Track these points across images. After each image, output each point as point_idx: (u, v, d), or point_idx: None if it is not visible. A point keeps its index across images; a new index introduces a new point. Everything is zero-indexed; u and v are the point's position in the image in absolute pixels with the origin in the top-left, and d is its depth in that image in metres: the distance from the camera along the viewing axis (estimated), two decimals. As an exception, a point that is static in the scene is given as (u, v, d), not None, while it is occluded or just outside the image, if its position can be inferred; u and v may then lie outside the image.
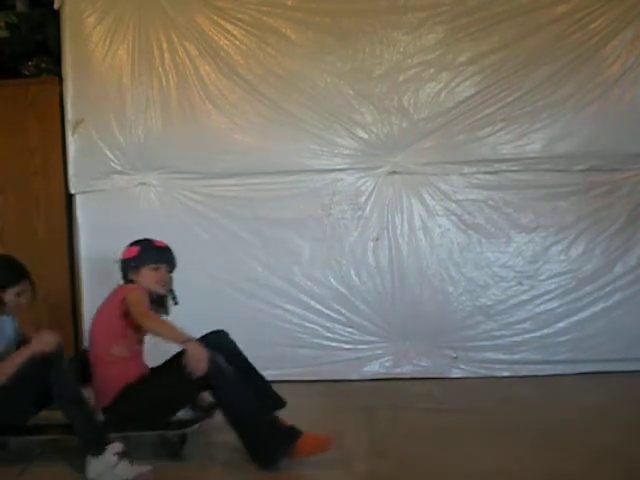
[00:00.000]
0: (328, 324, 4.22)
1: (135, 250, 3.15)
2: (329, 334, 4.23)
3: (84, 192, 4.21)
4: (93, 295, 4.23)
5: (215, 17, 4.15)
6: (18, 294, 3.05)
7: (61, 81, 4.21)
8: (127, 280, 3.17)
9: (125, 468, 2.74)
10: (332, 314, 4.22)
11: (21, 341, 3.16)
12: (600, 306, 4.19)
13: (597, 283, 4.19)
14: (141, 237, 3.21)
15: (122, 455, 2.76)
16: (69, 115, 4.18)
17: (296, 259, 4.21)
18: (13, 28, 4.40)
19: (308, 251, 4.21)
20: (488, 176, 4.19)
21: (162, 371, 3.11)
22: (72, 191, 4.22)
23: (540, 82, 4.12)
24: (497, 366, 4.19)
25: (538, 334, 4.20)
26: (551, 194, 4.19)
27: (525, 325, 4.21)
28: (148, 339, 3.14)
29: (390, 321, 4.20)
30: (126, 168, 4.19)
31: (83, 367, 3.12)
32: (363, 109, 4.17)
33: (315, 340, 4.22)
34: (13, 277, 3.05)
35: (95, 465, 2.74)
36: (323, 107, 4.16)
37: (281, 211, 4.19)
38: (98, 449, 2.74)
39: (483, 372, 4.16)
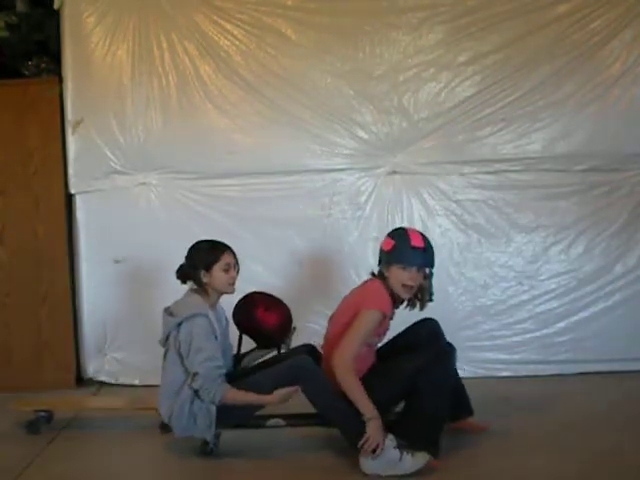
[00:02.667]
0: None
1: (390, 244, 3.07)
2: (329, 334, 4.22)
3: (84, 192, 4.21)
4: (93, 295, 4.25)
5: (215, 17, 4.15)
6: (225, 270, 3.03)
7: (61, 81, 4.21)
8: (380, 272, 3.09)
9: (410, 460, 2.74)
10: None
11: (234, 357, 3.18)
12: (600, 306, 4.19)
13: (597, 283, 4.19)
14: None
15: (400, 447, 2.77)
16: (69, 115, 4.18)
17: (296, 259, 4.21)
18: (13, 28, 4.39)
19: (308, 251, 4.21)
20: (488, 176, 4.19)
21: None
22: (72, 191, 4.21)
23: (540, 82, 4.12)
24: (497, 366, 4.19)
25: (538, 334, 4.20)
26: (551, 194, 4.19)
27: (525, 325, 4.21)
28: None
29: (390, 321, 4.19)
30: (126, 168, 4.19)
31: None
32: (363, 109, 4.17)
33: (314, 340, 4.20)
34: (213, 253, 3.02)
35: (377, 463, 2.75)
36: (323, 107, 4.16)
37: (281, 211, 4.19)
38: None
39: (483, 372, 4.16)
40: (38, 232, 4.22)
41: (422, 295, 3.12)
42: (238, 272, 3.15)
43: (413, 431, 2.87)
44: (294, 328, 3.35)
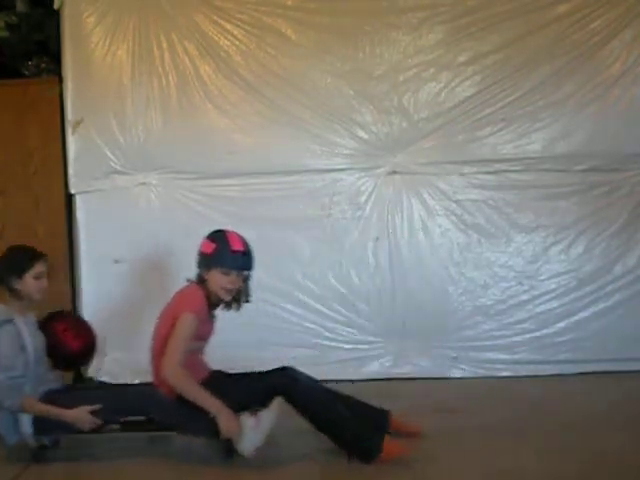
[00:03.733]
0: (328, 324, 4.22)
1: (211, 247, 3.04)
2: (329, 334, 4.23)
3: (84, 192, 4.21)
4: (93, 295, 4.25)
5: (215, 17, 4.15)
6: (36, 277, 2.98)
7: (61, 81, 4.21)
8: (198, 275, 3.08)
9: (265, 413, 2.78)
10: (332, 314, 4.21)
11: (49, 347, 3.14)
12: (600, 306, 4.19)
13: (597, 283, 4.19)
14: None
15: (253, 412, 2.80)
16: (69, 115, 4.18)
17: (296, 259, 4.21)
18: (13, 28, 4.41)
19: (308, 251, 4.21)
20: (488, 176, 4.19)
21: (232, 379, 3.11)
22: (72, 191, 4.22)
23: (540, 82, 4.12)
24: (497, 366, 4.19)
25: (538, 334, 4.20)
26: (551, 194, 4.19)
27: (525, 325, 4.21)
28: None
29: (390, 321, 4.20)
30: (126, 168, 4.19)
31: None
32: (363, 109, 4.17)
33: (315, 340, 4.22)
34: (26, 260, 2.98)
35: (246, 440, 2.77)
36: (323, 107, 4.16)
37: (281, 211, 4.19)
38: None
39: (483, 372, 4.16)
40: (38, 232, 4.22)
41: (239, 297, 3.12)
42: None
43: (342, 443, 2.89)
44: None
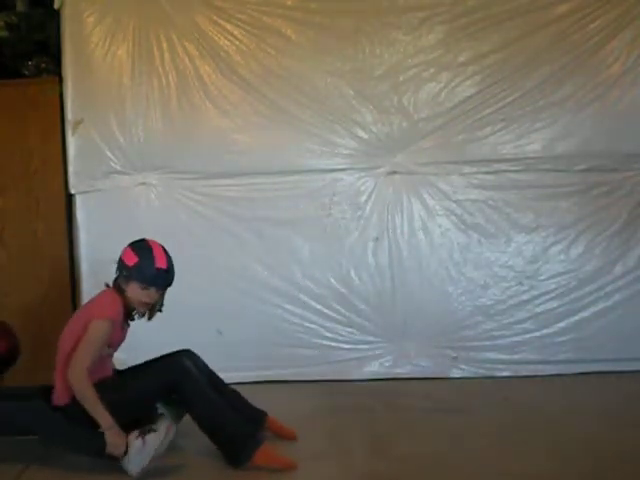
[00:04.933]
0: (328, 324, 4.21)
1: (133, 260, 3.04)
2: (329, 334, 4.22)
3: (84, 192, 4.20)
4: (93, 295, 4.24)
5: (215, 17, 4.15)
6: None
7: (61, 81, 4.21)
8: (115, 282, 3.10)
9: (154, 436, 2.81)
10: (332, 314, 4.21)
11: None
12: (600, 306, 4.18)
13: (597, 283, 4.19)
14: (142, 237, 3.16)
15: (142, 432, 2.82)
16: (69, 115, 4.17)
17: (296, 259, 4.20)
18: (13, 28, 4.40)
19: (308, 251, 4.21)
20: (488, 176, 4.19)
21: (130, 373, 3.16)
22: (72, 191, 4.21)
23: (540, 82, 4.12)
24: (497, 366, 4.18)
25: (538, 334, 4.20)
26: (551, 194, 4.19)
27: (525, 325, 4.21)
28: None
29: (390, 321, 4.19)
30: (126, 168, 4.19)
31: None
32: (363, 109, 4.17)
33: (315, 340, 4.21)
34: None
35: (132, 460, 2.81)
36: (323, 107, 4.15)
37: (281, 211, 4.19)
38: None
39: (483, 372, 4.16)
40: (38, 232, 4.22)
41: (153, 307, 3.13)
42: None
43: (219, 441, 2.93)
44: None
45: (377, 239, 4.21)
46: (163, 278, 3.05)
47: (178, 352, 3.15)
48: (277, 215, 4.19)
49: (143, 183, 4.21)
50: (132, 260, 3.04)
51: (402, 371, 4.17)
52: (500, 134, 4.15)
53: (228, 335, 4.15)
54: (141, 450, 2.80)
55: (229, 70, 4.16)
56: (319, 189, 4.21)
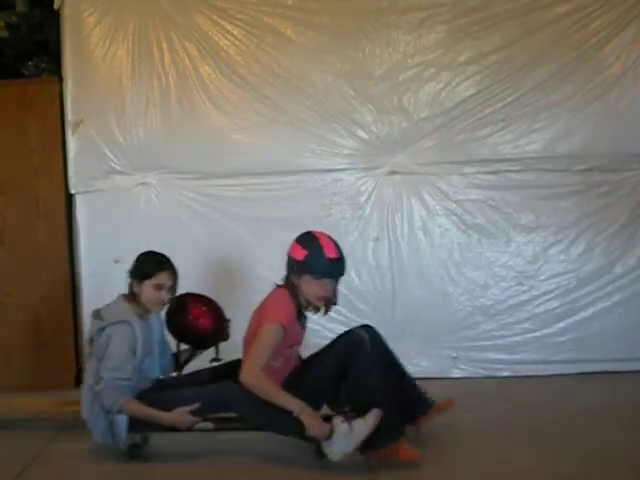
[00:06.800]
0: (328, 324, 4.21)
1: (302, 254, 2.95)
2: (329, 334, 4.21)
3: (84, 192, 4.21)
4: (93, 295, 4.24)
5: (215, 17, 4.15)
6: (156, 287, 2.98)
7: (61, 81, 4.21)
8: (287, 280, 3.02)
9: (362, 423, 2.74)
10: (332, 314, 4.18)
11: (175, 356, 3.19)
12: (600, 306, 4.19)
13: (597, 283, 4.19)
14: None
15: (348, 419, 2.76)
16: (69, 115, 4.18)
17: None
18: (13, 28, 4.40)
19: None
20: (488, 176, 4.19)
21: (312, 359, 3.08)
22: (72, 191, 4.21)
23: (540, 82, 4.12)
24: (497, 366, 4.19)
25: (538, 334, 4.20)
26: (551, 194, 4.19)
27: (525, 325, 4.21)
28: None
29: (390, 321, 4.19)
30: (126, 168, 4.19)
31: None
32: (363, 109, 4.17)
33: (315, 340, 4.20)
34: (151, 267, 3.00)
35: (336, 444, 2.75)
36: (323, 107, 4.16)
37: (281, 211, 4.19)
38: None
39: (483, 372, 4.16)
40: (38, 232, 4.22)
41: (329, 300, 3.06)
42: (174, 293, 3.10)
43: (361, 402, 2.83)
44: (229, 321, 3.30)
45: (377, 239, 4.22)
46: (336, 268, 2.96)
47: (357, 327, 3.07)
48: (277, 215, 4.19)
49: (143, 183, 4.22)
50: (301, 254, 2.95)
51: (402, 371, 4.17)
52: (500, 134, 4.15)
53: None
54: (347, 434, 2.72)
55: (229, 70, 4.16)
56: (319, 189, 4.21)
